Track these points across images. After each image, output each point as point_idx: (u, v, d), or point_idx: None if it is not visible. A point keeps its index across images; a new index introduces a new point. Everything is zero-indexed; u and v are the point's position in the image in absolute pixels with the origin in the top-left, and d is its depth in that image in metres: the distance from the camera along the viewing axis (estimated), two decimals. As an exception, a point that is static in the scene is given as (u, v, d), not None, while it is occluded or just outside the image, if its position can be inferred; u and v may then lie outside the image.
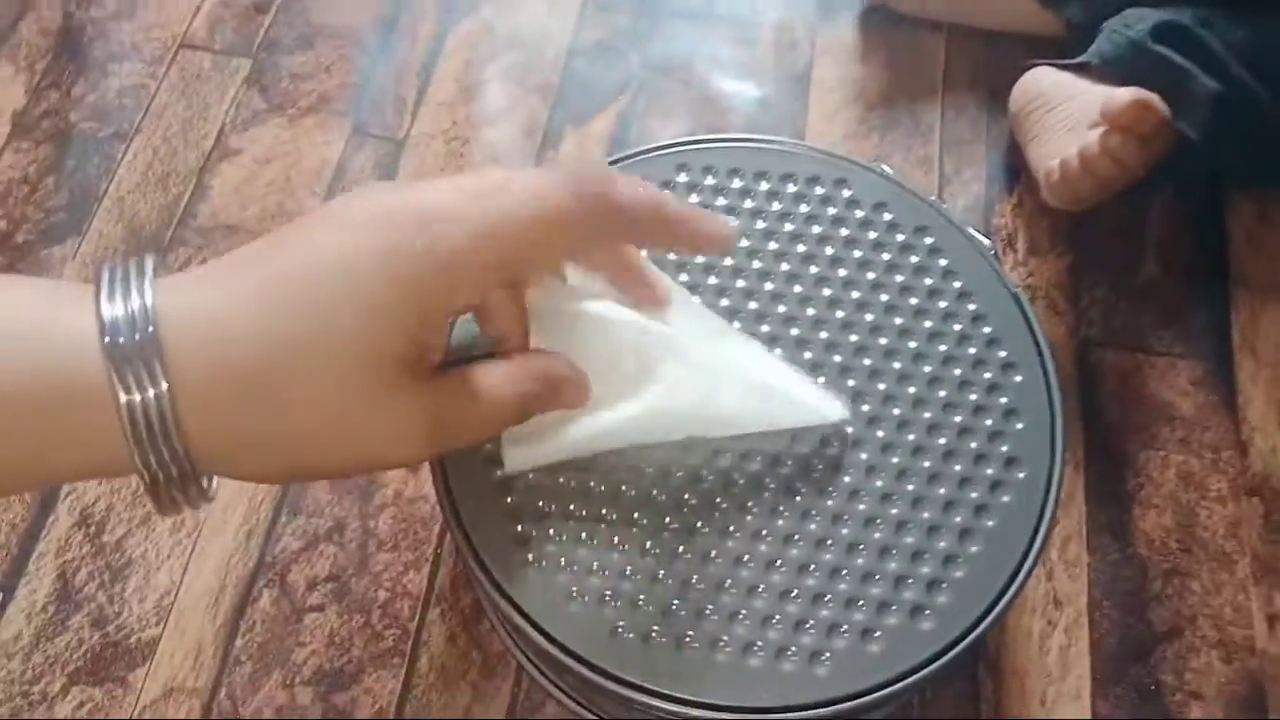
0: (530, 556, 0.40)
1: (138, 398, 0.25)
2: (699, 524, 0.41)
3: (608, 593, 0.39)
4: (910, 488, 0.42)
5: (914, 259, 0.47)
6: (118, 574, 0.51)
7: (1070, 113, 0.59)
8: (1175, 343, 0.58)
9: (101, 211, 0.61)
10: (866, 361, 0.44)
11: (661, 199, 0.33)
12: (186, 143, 0.63)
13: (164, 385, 0.25)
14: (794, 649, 0.39)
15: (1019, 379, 0.45)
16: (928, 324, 0.45)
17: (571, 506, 0.41)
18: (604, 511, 0.41)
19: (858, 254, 0.47)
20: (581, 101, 0.65)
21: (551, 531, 0.40)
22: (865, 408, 0.43)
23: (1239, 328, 0.58)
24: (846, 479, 0.42)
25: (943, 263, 0.47)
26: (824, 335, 0.45)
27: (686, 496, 0.41)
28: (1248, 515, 0.53)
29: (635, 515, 0.41)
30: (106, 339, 0.25)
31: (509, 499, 0.41)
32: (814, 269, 0.47)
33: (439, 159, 0.63)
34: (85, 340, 0.25)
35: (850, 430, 0.43)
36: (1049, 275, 0.60)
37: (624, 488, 0.41)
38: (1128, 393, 0.57)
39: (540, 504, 0.41)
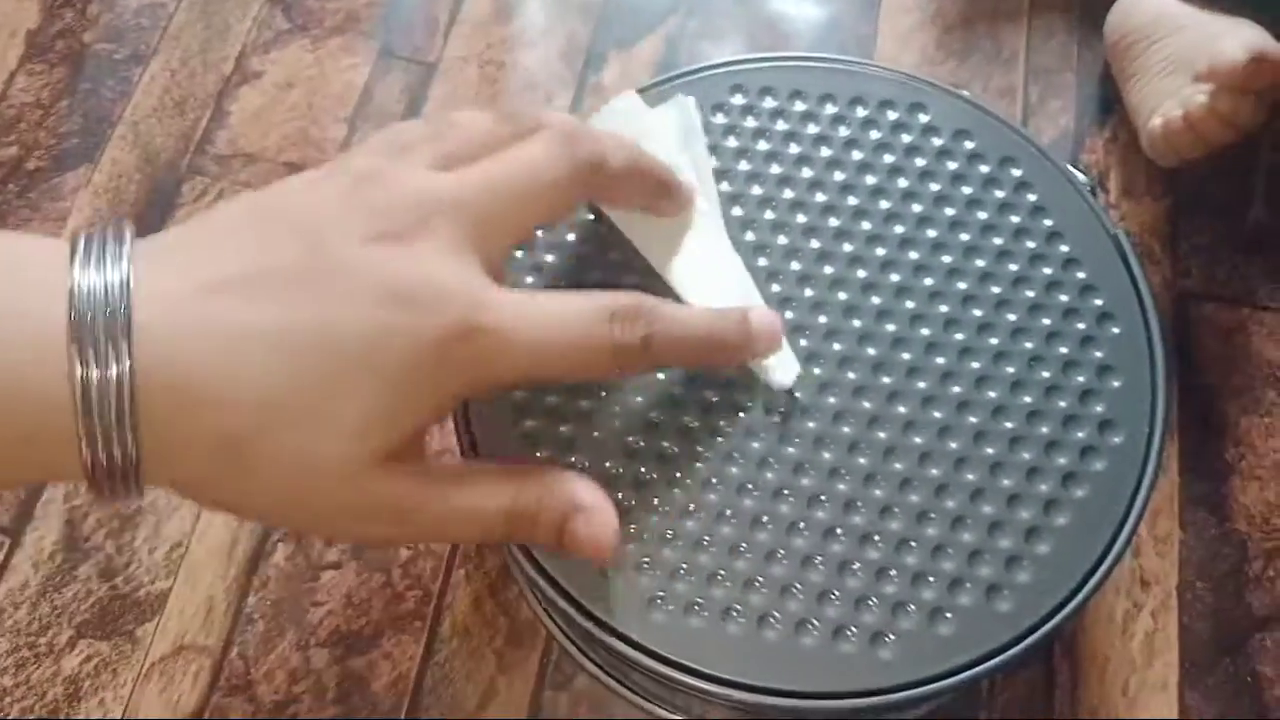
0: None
1: (95, 373, 0.23)
2: (749, 485, 0.37)
3: (646, 560, 0.35)
4: (989, 451, 0.37)
5: (999, 194, 0.42)
6: (127, 523, 0.48)
7: (1174, 51, 0.53)
8: (1287, 296, 0.52)
9: (116, 138, 0.58)
10: (943, 308, 0.40)
11: (643, 164, 0.35)
12: (205, 65, 0.60)
13: (128, 364, 0.23)
14: (854, 628, 0.35)
15: (1116, 331, 0.40)
16: (1013, 267, 0.40)
17: (608, 465, 0.37)
18: (643, 471, 0.37)
19: (935, 187, 0.42)
20: (626, 22, 0.60)
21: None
22: (940, 360, 0.39)
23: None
24: (916, 440, 0.37)
25: (1031, 198, 0.42)
26: (895, 278, 0.40)
27: (735, 455, 0.37)
28: (1365, 490, 0.48)
29: (677, 475, 0.37)
30: (74, 312, 0.23)
31: (538, 455, 0.37)
32: (885, 204, 0.42)
33: (472, 85, 0.59)
34: (49, 324, 0.23)
35: (922, 385, 0.38)
36: (1145, 219, 0.55)
37: (666, 444, 0.37)
38: (1230, 351, 0.51)
39: (574, 463, 0.37)
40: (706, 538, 0.36)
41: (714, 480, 0.37)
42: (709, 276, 0.39)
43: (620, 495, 0.36)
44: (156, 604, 0.46)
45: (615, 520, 0.31)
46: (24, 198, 0.56)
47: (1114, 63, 0.57)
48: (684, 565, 0.35)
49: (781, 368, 0.38)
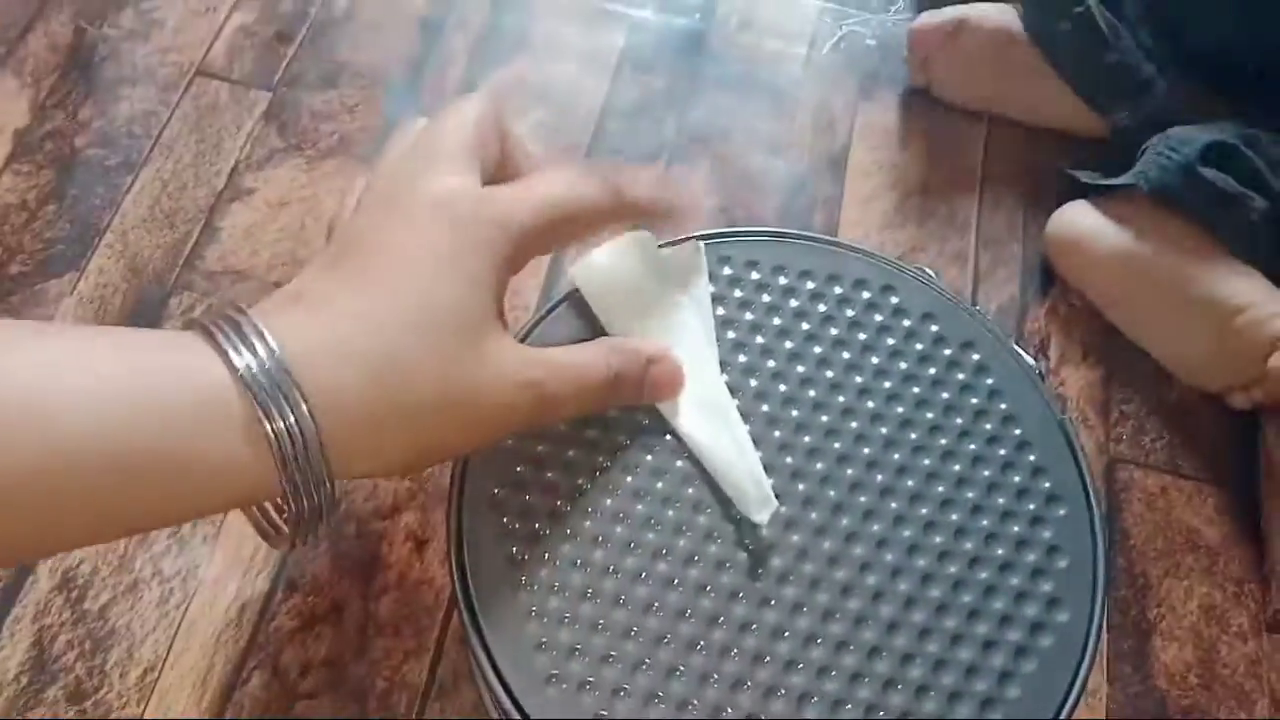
0: (553, 673, 0.39)
1: (282, 425, 0.29)
2: (719, 619, 0.40)
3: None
4: (949, 624, 0.41)
5: (960, 376, 0.47)
6: (99, 644, 0.49)
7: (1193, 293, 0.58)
8: (1204, 467, 0.58)
9: (103, 247, 0.59)
10: (909, 483, 0.44)
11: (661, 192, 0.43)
12: (197, 178, 0.62)
13: (304, 408, 0.30)
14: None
15: (1062, 513, 0.44)
16: (972, 447, 0.45)
17: (598, 621, 0.40)
18: (625, 603, 0.40)
19: (903, 366, 0.47)
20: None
21: (577, 648, 0.39)
22: (906, 533, 0.43)
23: (1267, 455, 0.59)
24: (884, 610, 0.41)
25: (989, 382, 0.47)
26: (867, 451, 0.44)
27: (708, 588, 0.40)
28: (1268, 654, 0.54)
29: (669, 624, 0.40)
30: (247, 385, 0.29)
31: (528, 585, 0.40)
32: (858, 379, 0.46)
33: (461, 215, 0.62)
34: (224, 390, 0.29)
35: (889, 558, 0.42)
36: (1081, 386, 0.60)
37: (647, 579, 0.40)
38: (1154, 515, 0.57)
39: (565, 616, 0.39)
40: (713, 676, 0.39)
41: (689, 612, 0.40)
42: (703, 413, 0.43)
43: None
44: (126, 731, 0.47)
45: (679, 362, 0.44)
46: (5, 302, 0.57)
47: (1067, 270, 0.63)
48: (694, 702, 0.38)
49: (758, 504, 0.41)
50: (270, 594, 0.51)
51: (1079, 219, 0.61)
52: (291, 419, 0.29)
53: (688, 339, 0.44)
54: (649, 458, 0.43)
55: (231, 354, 0.29)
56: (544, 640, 0.39)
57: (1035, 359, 0.49)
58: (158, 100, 0.64)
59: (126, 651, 0.49)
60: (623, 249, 0.46)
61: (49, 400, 0.27)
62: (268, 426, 0.29)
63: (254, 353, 0.29)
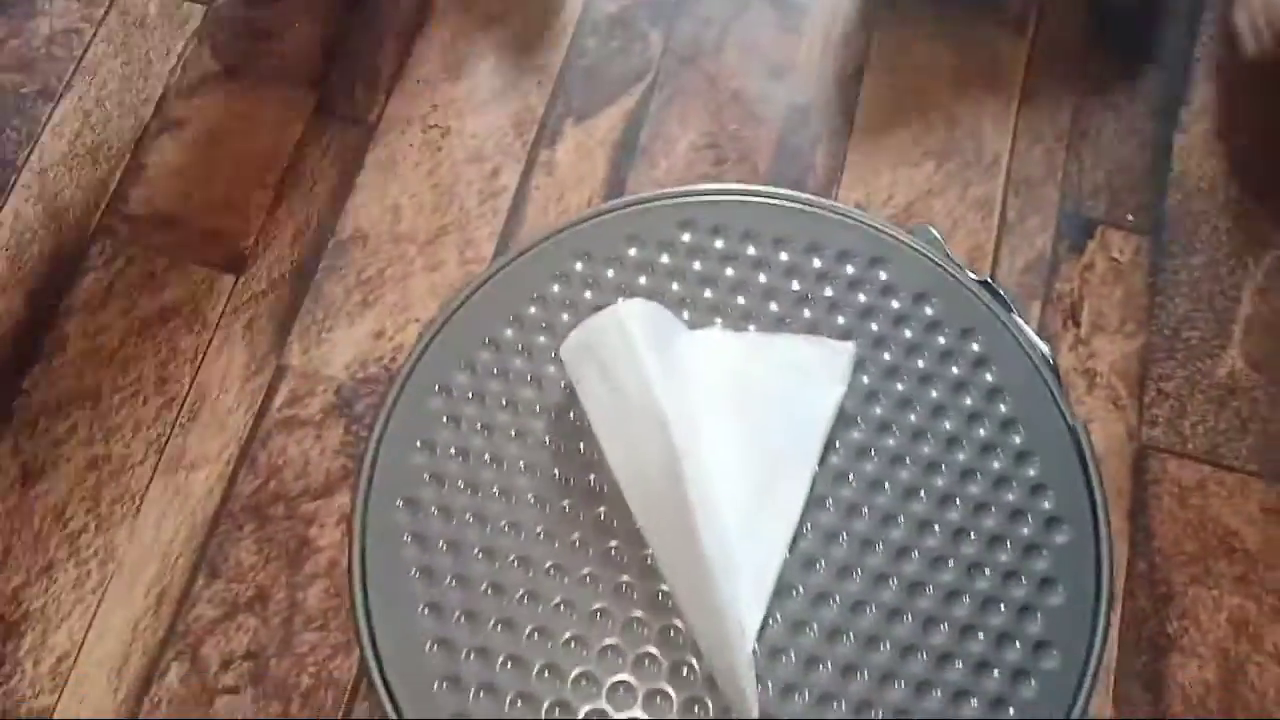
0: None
1: None
2: None
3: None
4: (936, 642, 0.36)
5: (955, 370, 0.41)
6: (11, 629, 0.47)
7: None
8: (1252, 457, 0.52)
9: (19, 187, 0.55)
10: (880, 500, 0.39)
11: None
12: (123, 107, 0.57)
13: None
14: None
15: (1062, 540, 0.39)
16: (960, 457, 0.39)
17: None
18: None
19: (887, 358, 0.41)
20: (588, 90, 0.58)
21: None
22: (881, 546, 0.38)
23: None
24: (863, 623, 0.36)
25: (988, 378, 0.41)
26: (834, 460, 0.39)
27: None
28: (1307, 675, 0.48)
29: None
30: None
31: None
32: (832, 374, 0.41)
33: (414, 150, 0.56)
34: None
35: (872, 562, 0.37)
36: (1114, 358, 0.53)
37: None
38: (1186, 513, 0.51)
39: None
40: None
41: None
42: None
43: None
44: (38, 723, 0.45)
45: None
46: (-84, 249, 0.53)
47: None
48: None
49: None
50: (191, 579, 0.48)
51: None
52: None
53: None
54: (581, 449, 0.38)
55: None
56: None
57: (1049, 344, 0.42)
58: (80, 16, 0.58)
59: (40, 637, 0.47)
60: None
61: None
62: None
63: None
